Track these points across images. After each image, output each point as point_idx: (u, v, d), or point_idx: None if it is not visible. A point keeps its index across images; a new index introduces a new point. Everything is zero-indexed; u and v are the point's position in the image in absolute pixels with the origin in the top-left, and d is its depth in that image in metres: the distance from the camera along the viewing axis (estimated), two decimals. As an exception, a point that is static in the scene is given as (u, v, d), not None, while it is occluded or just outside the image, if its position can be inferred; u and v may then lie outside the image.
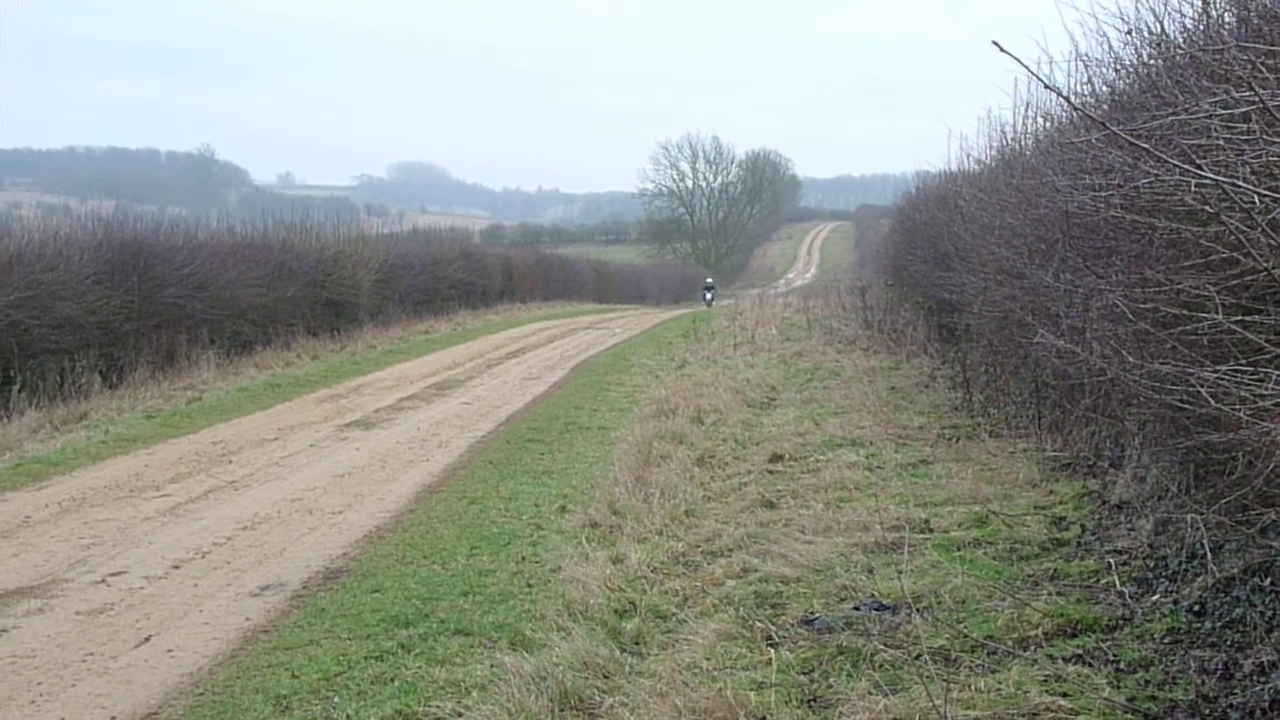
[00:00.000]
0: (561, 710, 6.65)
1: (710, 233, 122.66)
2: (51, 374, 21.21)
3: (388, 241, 43.79)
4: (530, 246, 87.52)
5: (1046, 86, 4.47)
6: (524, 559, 10.20)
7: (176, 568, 10.26)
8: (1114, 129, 5.14)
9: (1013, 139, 14.54)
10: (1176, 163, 4.78)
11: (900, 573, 8.34)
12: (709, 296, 65.72)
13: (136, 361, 23.32)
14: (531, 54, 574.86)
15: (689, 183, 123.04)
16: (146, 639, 8.44)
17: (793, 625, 7.65)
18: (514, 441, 16.44)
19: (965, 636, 6.97)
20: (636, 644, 7.74)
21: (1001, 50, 4.15)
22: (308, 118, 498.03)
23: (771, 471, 12.91)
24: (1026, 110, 14.06)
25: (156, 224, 29.31)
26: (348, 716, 6.83)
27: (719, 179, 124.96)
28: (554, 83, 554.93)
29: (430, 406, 20.13)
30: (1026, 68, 4.37)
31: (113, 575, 10.01)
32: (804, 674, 6.79)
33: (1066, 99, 5.59)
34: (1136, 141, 5.04)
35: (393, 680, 7.37)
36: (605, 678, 7.05)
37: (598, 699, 6.76)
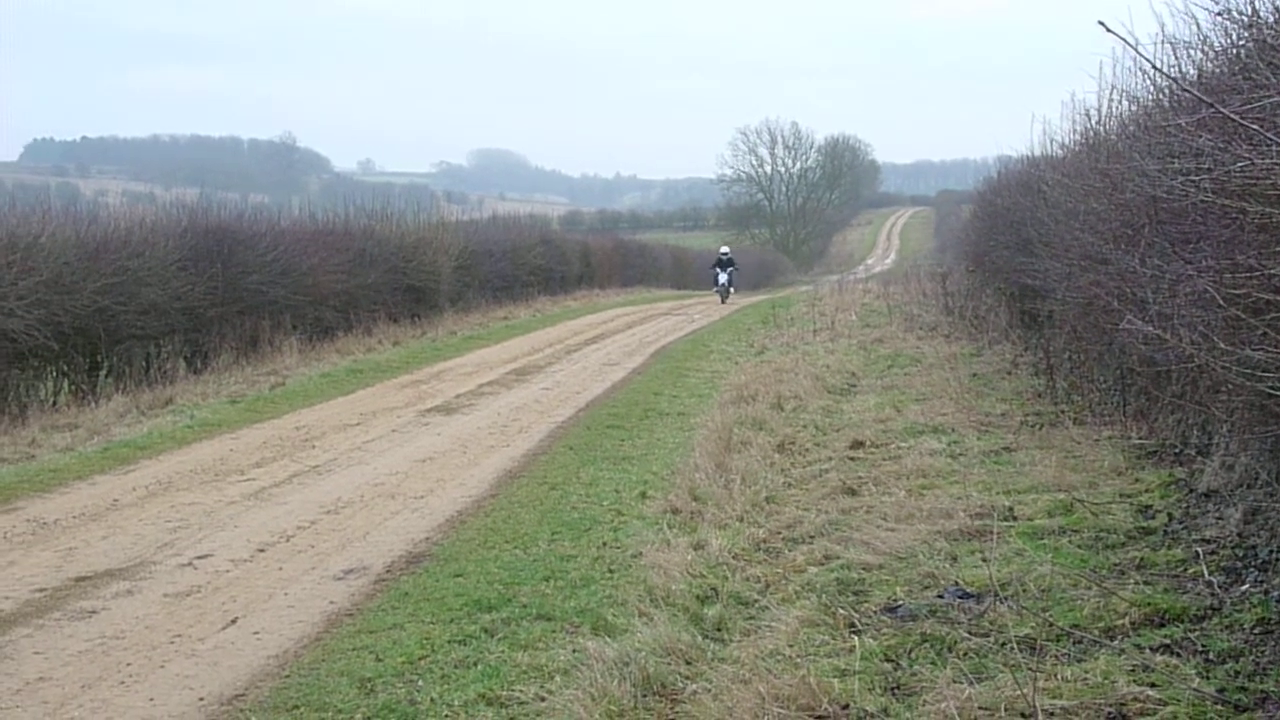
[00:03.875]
0: (644, 696, 6.65)
1: (789, 218, 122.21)
2: (137, 359, 21.53)
3: (467, 228, 43.96)
4: (608, 233, 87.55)
5: (1155, 70, 4.40)
6: (605, 544, 10.21)
7: (261, 551, 10.37)
8: (1227, 111, 5.06)
9: (1097, 123, 14.38)
10: (1277, 140, 4.70)
11: (984, 560, 8.29)
12: (723, 279, 48.25)
13: (220, 347, 23.61)
14: (610, 40, 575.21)
15: (767, 168, 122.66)
16: (233, 621, 8.53)
17: (876, 612, 7.62)
18: (594, 427, 16.47)
19: (1051, 625, 6.91)
20: (718, 630, 7.73)
21: (1108, 30, 4.10)
22: (388, 105, 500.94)
23: (852, 458, 12.85)
24: (1111, 93, 13.88)
25: (239, 211, 29.65)
26: (432, 700, 6.86)
27: (798, 164, 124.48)
28: (632, 69, 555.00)
29: (510, 392, 20.20)
30: (1138, 50, 4.32)
31: (199, 558, 10.13)
32: (888, 661, 6.76)
33: (1177, 81, 5.50)
34: (1244, 122, 4.96)
35: (476, 664, 7.40)
36: (688, 664, 7.05)
37: (680, 685, 6.76)
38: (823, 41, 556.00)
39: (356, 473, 13.63)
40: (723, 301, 46.33)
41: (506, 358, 25.35)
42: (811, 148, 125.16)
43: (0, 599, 9.05)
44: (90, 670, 7.57)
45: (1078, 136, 15.54)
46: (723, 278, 47.77)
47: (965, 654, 6.66)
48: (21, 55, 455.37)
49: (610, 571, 9.38)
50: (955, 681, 6.22)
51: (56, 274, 19.12)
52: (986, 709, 5.88)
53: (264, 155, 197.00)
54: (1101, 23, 4.02)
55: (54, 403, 19.48)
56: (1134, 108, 12.51)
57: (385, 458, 14.47)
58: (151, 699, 7.09)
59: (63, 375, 20.52)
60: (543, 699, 6.71)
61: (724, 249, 52.02)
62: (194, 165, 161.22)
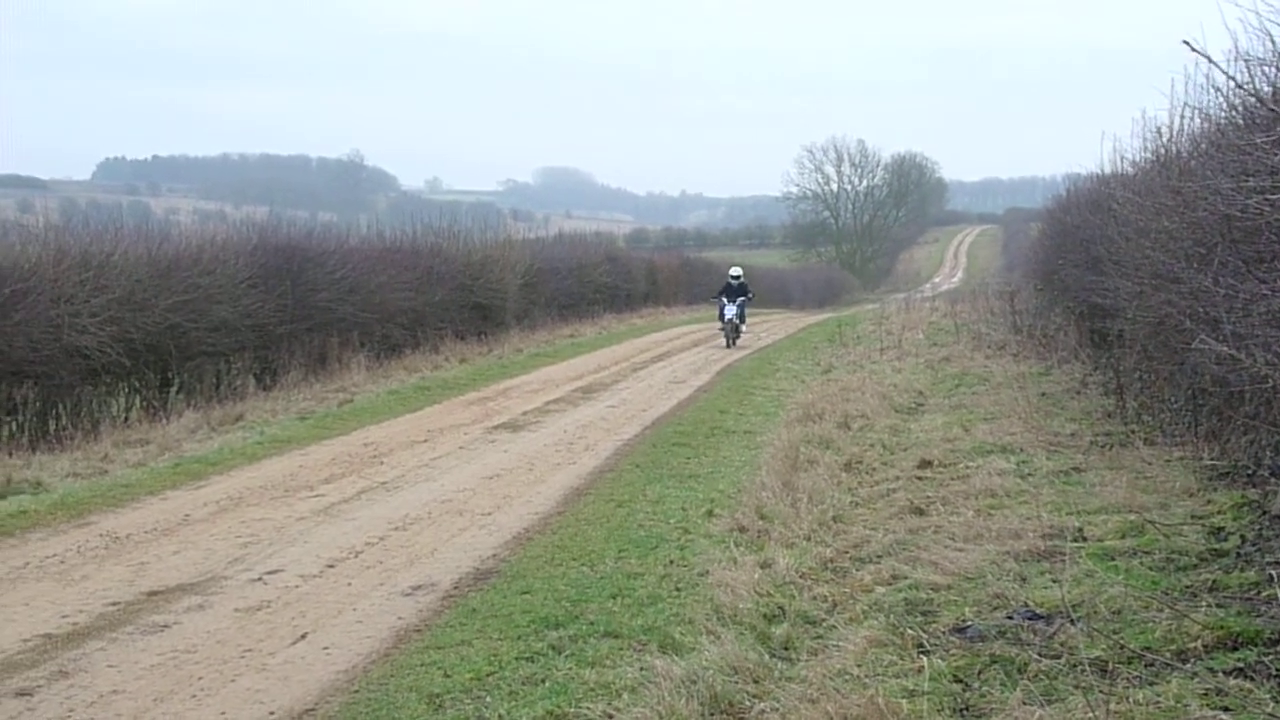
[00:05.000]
0: (711, 714, 6.65)
1: (855, 236, 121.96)
2: (208, 376, 21.74)
3: (533, 246, 44.16)
4: (674, 250, 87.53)
5: (1236, 85, 4.38)
6: (672, 562, 10.21)
7: (331, 567, 10.43)
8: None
9: (1169, 140, 14.27)
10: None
11: (1055, 581, 8.23)
12: (730, 312, 34.72)
13: (289, 364, 23.80)
14: (676, 58, 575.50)
15: (834, 186, 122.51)
16: (303, 636, 8.59)
17: (944, 633, 7.58)
18: (660, 445, 16.48)
19: (1122, 648, 6.85)
20: (786, 649, 7.73)
21: (1193, 49, 4.09)
22: (454, 124, 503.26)
23: (920, 478, 12.79)
24: (1183, 110, 13.77)
25: (308, 229, 29.99)
26: (500, 716, 6.88)
27: (864, 182, 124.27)
28: (699, 87, 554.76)
29: (576, 410, 20.25)
30: (1217, 67, 4.30)
31: (269, 573, 10.20)
32: (957, 682, 6.72)
33: (1257, 97, 5.46)
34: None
35: (543, 681, 7.41)
36: (755, 682, 7.04)
37: (748, 704, 6.75)
38: (890, 59, 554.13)
39: (424, 489, 13.69)
40: (729, 344, 33.81)
41: (572, 375, 25.41)
42: (878, 165, 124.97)
43: (74, 613, 9.15)
44: (162, 684, 7.64)
45: (1149, 154, 15.42)
46: (730, 310, 34.38)
47: (1036, 676, 6.61)
48: (95, 75, 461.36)
49: (677, 589, 9.37)
50: (1026, 703, 6.18)
51: (129, 291, 19.37)
52: (1057, 732, 5.84)
53: (332, 174, 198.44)
54: (1187, 42, 4.01)
55: (126, 419, 19.68)
56: (1207, 125, 12.41)
57: (453, 475, 14.54)
58: (223, 713, 7.15)
59: (135, 391, 20.73)
60: (610, 716, 6.71)
61: (734, 271, 37.30)
62: (263, 184, 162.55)
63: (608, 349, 32.29)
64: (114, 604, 9.38)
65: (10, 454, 16.27)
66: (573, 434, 17.46)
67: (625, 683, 7.20)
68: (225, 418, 18.99)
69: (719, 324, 34.94)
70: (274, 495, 13.42)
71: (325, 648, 8.35)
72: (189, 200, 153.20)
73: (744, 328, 35.00)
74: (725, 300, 34.87)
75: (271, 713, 7.15)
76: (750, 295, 36.65)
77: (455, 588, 9.77)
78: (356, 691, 7.45)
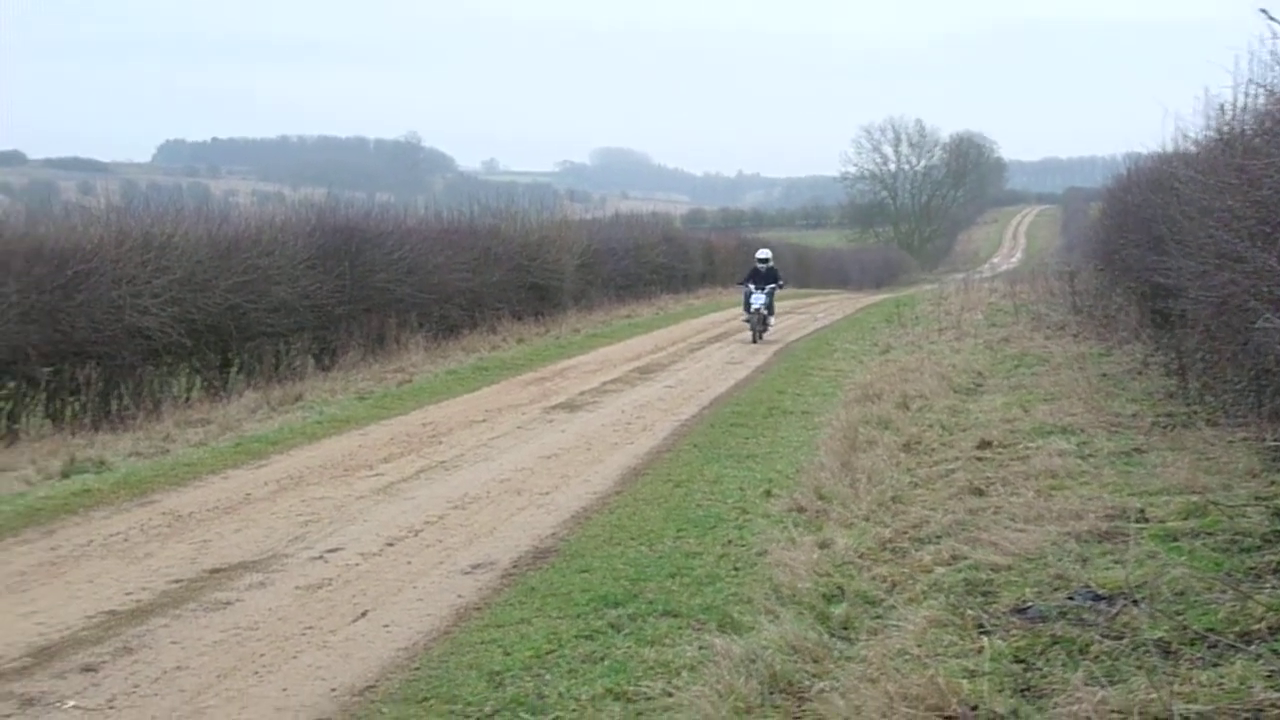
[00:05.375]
0: (771, 693, 6.65)
1: (913, 216, 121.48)
2: (267, 356, 21.87)
3: (590, 226, 44.20)
4: (731, 231, 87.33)
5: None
6: (730, 542, 10.21)
7: (390, 545, 10.49)
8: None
9: (1232, 118, 14.09)
10: None
11: (1116, 563, 8.18)
12: (758, 301, 29.72)
13: (348, 344, 23.92)
14: (733, 38, 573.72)
15: (891, 166, 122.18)
16: (363, 614, 8.65)
17: (1005, 613, 7.54)
18: (718, 425, 16.47)
19: (1185, 629, 6.79)
20: (845, 629, 7.70)
21: (1270, 19, 4.03)
22: (511, 105, 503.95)
23: (979, 458, 12.71)
24: (1248, 87, 13.59)
25: (366, 210, 30.08)
26: (559, 694, 6.91)
27: (922, 162, 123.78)
28: (756, 67, 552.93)
29: (634, 390, 20.26)
30: None
31: (330, 551, 10.27)
32: (1018, 663, 6.69)
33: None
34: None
35: (603, 659, 7.44)
36: (814, 662, 7.03)
37: (807, 683, 6.74)
38: (948, 37, 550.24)
39: (483, 469, 13.75)
40: (755, 337, 29.31)
41: (629, 356, 25.43)
42: (936, 145, 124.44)
43: (138, 589, 9.25)
44: (225, 660, 7.71)
45: (1212, 132, 15.24)
46: (758, 299, 29.57)
47: (1098, 657, 6.56)
48: (155, 59, 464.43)
49: (736, 569, 9.38)
50: (1088, 684, 6.14)
51: (189, 272, 19.52)
52: (1120, 712, 5.80)
53: (389, 155, 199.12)
54: (1264, 11, 3.96)
55: (187, 398, 19.85)
56: (1272, 101, 12.25)
57: (511, 454, 14.58)
58: (285, 689, 7.21)
59: (195, 372, 20.90)
60: (669, 695, 6.73)
61: (762, 254, 31.67)
62: (321, 165, 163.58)
63: (665, 329, 32.28)
64: (177, 581, 9.47)
65: (74, 433, 16.46)
66: (630, 414, 17.47)
67: (684, 661, 7.22)
68: (285, 398, 19.11)
69: (744, 315, 30.30)
70: (334, 474, 13.51)
71: (386, 625, 8.40)
72: (248, 182, 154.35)
73: (772, 320, 30.26)
74: (752, 287, 29.82)
75: (333, 689, 7.20)
76: (781, 282, 31.14)
77: (514, 566, 9.81)
78: (417, 669, 7.49)
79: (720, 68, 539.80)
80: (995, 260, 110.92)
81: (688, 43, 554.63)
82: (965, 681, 6.36)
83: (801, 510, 10.96)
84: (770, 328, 30.00)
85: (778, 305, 31.09)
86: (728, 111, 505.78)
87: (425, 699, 6.97)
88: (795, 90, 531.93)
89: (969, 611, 7.54)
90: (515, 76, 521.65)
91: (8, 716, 6.83)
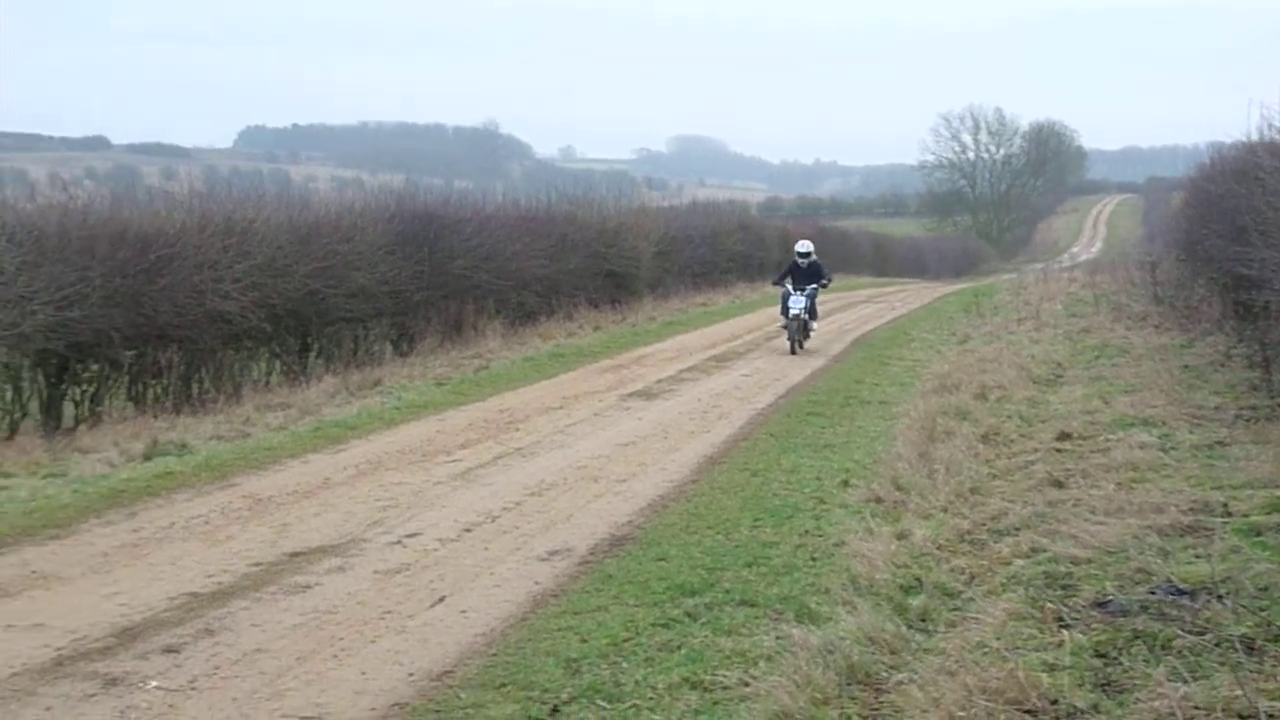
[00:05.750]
0: (848, 684, 6.63)
1: (992, 205, 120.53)
2: (346, 341, 22.00)
3: (667, 214, 44.11)
4: (808, 219, 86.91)
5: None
6: (807, 532, 10.18)
7: (468, 531, 10.54)
8: None
9: (1321, 108, 13.88)
10: None
11: (1199, 557, 8.09)
12: (797, 304, 24.62)
13: (426, 330, 24.01)
14: (811, 25, 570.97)
15: (970, 154, 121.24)
16: (441, 599, 8.69)
17: (1085, 607, 7.48)
18: (794, 414, 16.44)
19: (1270, 625, 6.72)
20: (923, 621, 7.67)
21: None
22: (589, 92, 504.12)
23: (1059, 450, 12.61)
24: (1337, 77, 13.37)
25: (445, 197, 30.15)
26: (636, 682, 6.92)
27: (1001, 151, 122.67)
28: (833, 54, 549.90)
29: (710, 378, 20.25)
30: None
31: (408, 537, 10.34)
32: (1098, 657, 6.63)
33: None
34: None
35: (680, 648, 7.44)
36: (892, 653, 7.01)
37: (885, 675, 6.72)
38: (1028, 24, 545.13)
39: (559, 455, 13.78)
40: (794, 347, 24.40)
41: (706, 344, 25.40)
42: (1016, 134, 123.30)
43: (219, 572, 9.34)
44: (304, 643, 7.77)
45: (1300, 122, 15.02)
46: (797, 302, 24.51)
47: (1180, 652, 6.49)
48: (238, 45, 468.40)
49: (813, 559, 9.35)
50: (1170, 680, 6.08)
51: (270, 258, 19.65)
52: (1203, 709, 5.74)
53: (468, 142, 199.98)
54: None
55: (267, 383, 20.03)
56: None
57: (587, 441, 14.61)
58: (363, 673, 7.26)
59: (275, 356, 21.07)
60: (746, 684, 6.72)
61: (802, 247, 26.18)
62: (400, 152, 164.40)
63: (741, 318, 32.23)
64: (257, 564, 9.56)
65: (155, 416, 16.64)
66: (707, 402, 17.45)
67: (761, 651, 7.22)
68: (363, 383, 19.22)
69: (780, 320, 25.10)
70: (412, 460, 13.58)
71: (463, 611, 8.44)
72: (327, 168, 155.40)
73: (815, 326, 25.47)
74: (790, 287, 24.70)
75: (411, 674, 7.24)
76: (826, 280, 25.87)
77: (591, 553, 9.83)
78: (494, 655, 7.52)
79: (799, 55, 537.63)
80: (1075, 250, 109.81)
81: (768, 29, 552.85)
82: (1045, 675, 6.32)
83: (879, 501, 10.93)
84: (813, 334, 25.33)
85: (824, 304, 29.82)
86: (805, 99, 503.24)
87: (502, 685, 7.00)
88: (874, 78, 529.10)
89: (1049, 605, 7.49)
90: (593, 63, 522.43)
91: (92, 696, 6.92)
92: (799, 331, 24.46)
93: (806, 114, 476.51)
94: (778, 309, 24.74)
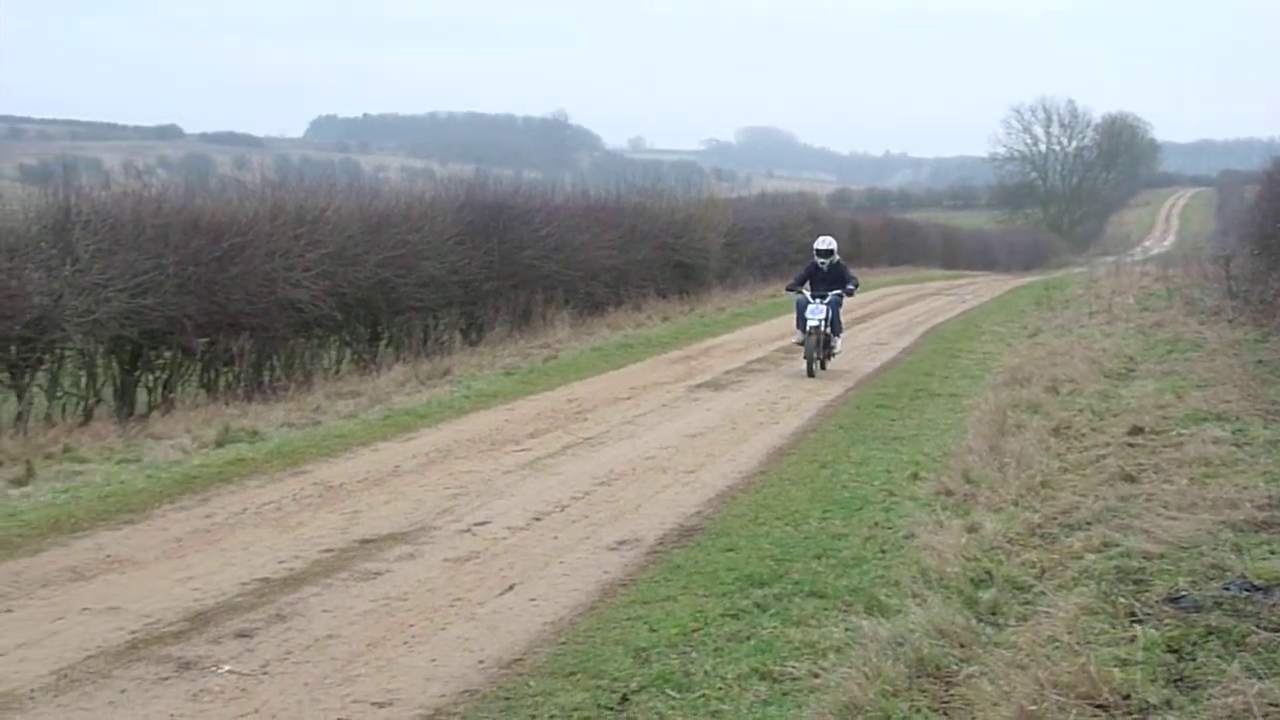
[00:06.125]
0: (918, 677, 6.60)
1: (1063, 198, 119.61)
2: (416, 330, 22.10)
3: (736, 205, 44.12)
4: (877, 211, 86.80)
5: None
6: (877, 524, 10.15)
7: (537, 520, 10.58)
8: None
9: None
10: None
11: (1273, 553, 8.02)
12: (815, 315, 19.78)
13: (495, 320, 24.10)
14: (880, 16, 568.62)
15: (1042, 147, 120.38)
16: (510, 587, 8.72)
17: (1157, 602, 7.41)
18: (864, 406, 16.39)
19: (1346, 621, 6.64)
20: (994, 614, 7.62)
21: None
22: (657, 84, 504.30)
23: (1131, 444, 12.50)
24: None
25: (514, 187, 30.25)
26: (705, 672, 6.92)
27: (1073, 143, 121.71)
28: (903, 45, 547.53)
29: (779, 369, 20.21)
30: None
31: (478, 525, 10.38)
32: (1171, 653, 6.58)
33: None
34: None
35: (749, 638, 7.43)
36: (962, 647, 6.97)
37: (955, 668, 6.69)
38: (1101, 14, 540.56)
39: (628, 445, 13.80)
40: (813, 368, 19.78)
41: (775, 335, 25.35)
42: (1088, 126, 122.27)
43: (290, 558, 9.41)
44: (375, 630, 7.82)
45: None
46: (816, 312, 19.97)
47: (1255, 648, 6.43)
48: (311, 36, 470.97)
49: (882, 551, 9.32)
50: (1243, 676, 6.02)
51: (341, 247, 19.79)
52: (1278, 705, 5.69)
53: (537, 132, 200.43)
54: None
55: (337, 371, 20.17)
56: None
57: (655, 431, 14.62)
58: (433, 660, 7.30)
59: (345, 345, 21.22)
60: (815, 676, 6.71)
61: (823, 243, 21.59)
62: (469, 142, 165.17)
63: (810, 309, 32.12)
64: (328, 551, 9.62)
65: (227, 403, 16.78)
66: (775, 394, 17.43)
67: (831, 642, 7.20)
68: (433, 372, 19.32)
69: (796, 335, 20.53)
70: (481, 448, 13.64)
71: (532, 599, 8.47)
72: (397, 158, 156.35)
73: (839, 342, 20.76)
74: (808, 293, 20.33)
75: (481, 661, 7.27)
76: (853, 285, 20.93)
77: (660, 543, 9.84)
78: (563, 643, 7.54)
79: (868, 45, 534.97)
80: (1147, 244, 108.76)
81: (837, 20, 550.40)
82: (1117, 670, 6.28)
83: (949, 494, 10.88)
84: (838, 352, 20.72)
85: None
86: (876, 90, 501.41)
87: (572, 673, 7.01)
88: (945, 68, 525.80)
89: (1121, 599, 7.43)
90: (662, 54, 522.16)
91: (165, 679, 6.99)
92: (818, 348, 19.82)
93: (876, 105, 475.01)
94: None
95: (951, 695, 6.42)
